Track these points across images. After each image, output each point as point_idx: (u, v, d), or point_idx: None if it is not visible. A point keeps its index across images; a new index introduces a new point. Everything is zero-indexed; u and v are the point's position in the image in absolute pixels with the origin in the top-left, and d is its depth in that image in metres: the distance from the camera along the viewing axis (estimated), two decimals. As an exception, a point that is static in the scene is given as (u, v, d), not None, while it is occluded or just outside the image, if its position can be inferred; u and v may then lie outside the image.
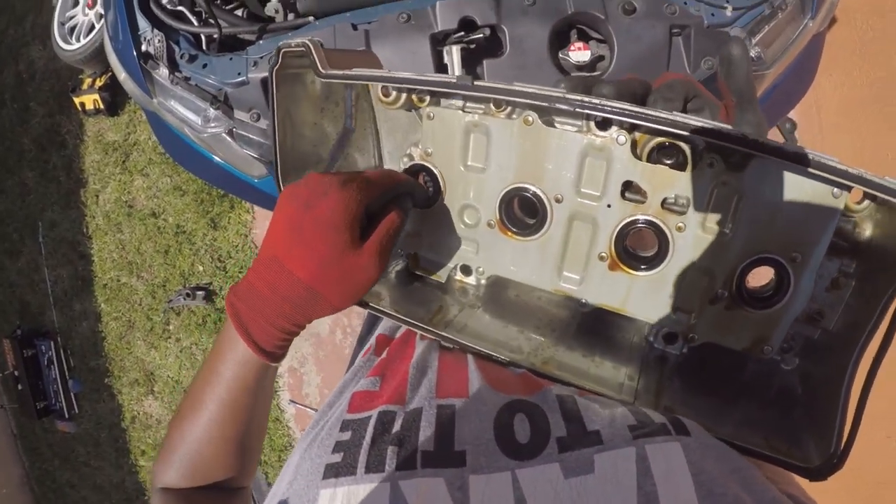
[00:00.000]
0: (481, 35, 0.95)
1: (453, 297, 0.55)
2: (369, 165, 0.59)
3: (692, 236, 0.45)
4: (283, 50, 0.48)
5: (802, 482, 0.42)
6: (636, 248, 0.50)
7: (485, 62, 0.97)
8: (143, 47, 1.16)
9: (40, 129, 2.99)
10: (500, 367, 0.47)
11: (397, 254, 0.58)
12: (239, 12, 1.19)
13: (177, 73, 1.11)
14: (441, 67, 0.95)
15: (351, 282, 0.44)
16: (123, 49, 1.20)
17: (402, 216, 0.46)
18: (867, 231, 0.43)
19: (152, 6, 1.16)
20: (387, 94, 0.52)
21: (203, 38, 1.12)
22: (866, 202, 0.41)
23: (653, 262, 0.47)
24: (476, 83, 0.43)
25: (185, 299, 2.51)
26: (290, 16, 1.15)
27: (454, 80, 0.43)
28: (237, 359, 0.46)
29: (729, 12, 1.01)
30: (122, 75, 1.25)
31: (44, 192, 2.99)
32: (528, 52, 0.94)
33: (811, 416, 0.43)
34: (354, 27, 0.89)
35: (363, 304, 0.51)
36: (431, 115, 0.50)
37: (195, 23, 1.12)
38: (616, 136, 0.44)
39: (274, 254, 0.43)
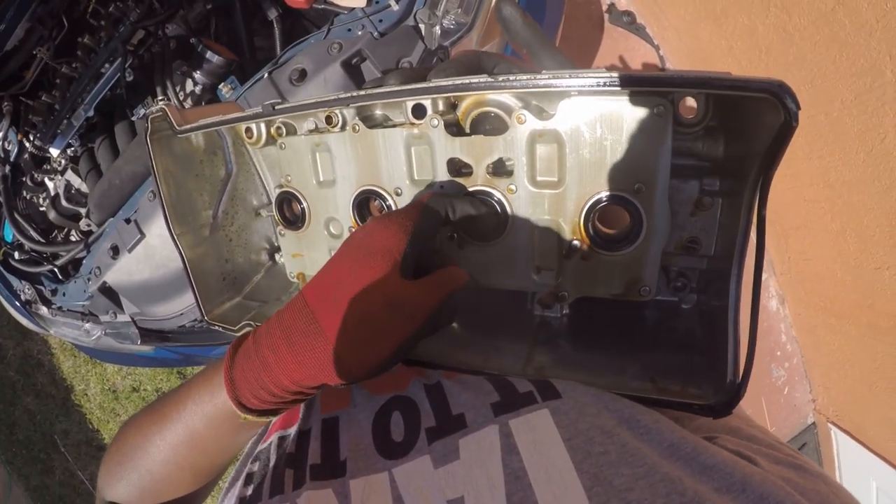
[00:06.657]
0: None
1: None
2: (260, 202, 0.64)
3: (526, 195, 0.44)
4: (149, 116, 0.53)
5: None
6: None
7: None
8: (23, 297, 1.43)
9: (17, 358, 3.29)
10: None
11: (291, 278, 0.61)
12: (72, 237, 1.43)
13: (52, 308, 1.37)
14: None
15: None
16: (11, 304, 1.47)
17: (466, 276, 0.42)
18: (715, 141, 0.39)
19: (12, 263, 1.43)
20: (250, 136, 0.56)
21: (57, 270, 1.37)
22: (699, 112, 0.39)
23: (498, 230, 0.47)
24: (279, 107, 0.48)
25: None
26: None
27: (261, 108, 0.50)
28: (224, 406, 0.41)
29: (395, 5, 0.93)
30: (23, 321, 1.52)
31: (46, 410, 3.28)
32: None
33: (708, 351, 0.39)
34: (127, 221, 1.08)
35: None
36: (283, 145, 0.55)
37: (43, 263, 1.38)
38: (430, 121, 0.45)
39: (338, 350, 0.36)
